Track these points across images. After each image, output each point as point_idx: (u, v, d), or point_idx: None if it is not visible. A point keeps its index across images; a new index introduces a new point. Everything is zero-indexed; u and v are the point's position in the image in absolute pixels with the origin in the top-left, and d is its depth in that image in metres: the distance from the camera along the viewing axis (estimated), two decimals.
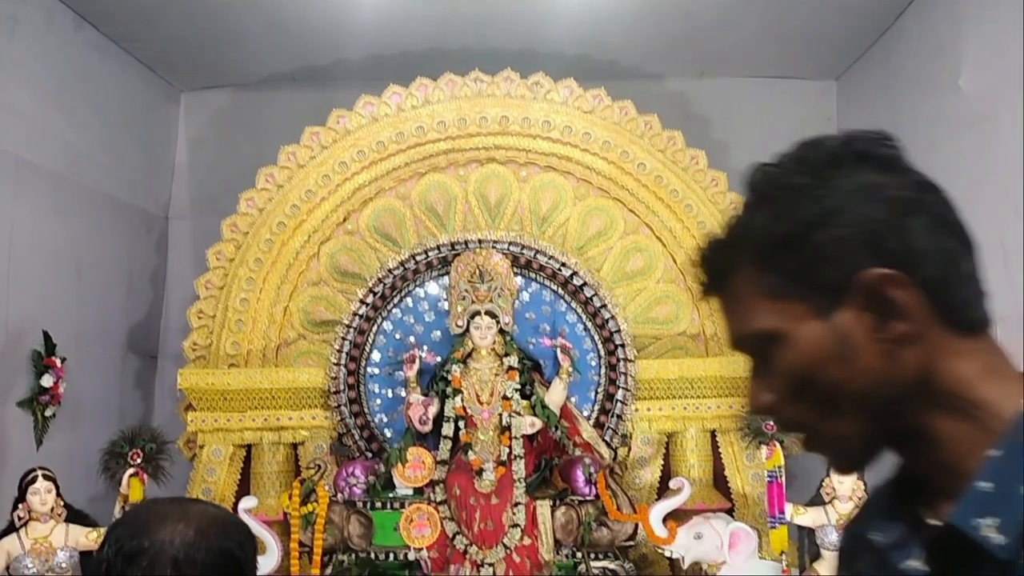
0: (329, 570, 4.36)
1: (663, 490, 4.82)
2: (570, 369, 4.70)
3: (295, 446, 5.04)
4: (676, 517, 4.38)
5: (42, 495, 3.75)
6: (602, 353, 5.00)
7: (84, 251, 5.05)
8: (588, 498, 4.44)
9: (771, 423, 4.27)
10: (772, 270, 0.86)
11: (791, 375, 0.87)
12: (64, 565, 3.76)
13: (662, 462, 5.09)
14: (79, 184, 5.03)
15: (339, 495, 4.49)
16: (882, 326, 0.83)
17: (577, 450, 4.70)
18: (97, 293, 5.16)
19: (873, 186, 0.84)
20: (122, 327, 5.49)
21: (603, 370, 5.00)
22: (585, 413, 4.95)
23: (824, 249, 0.84)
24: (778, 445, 4.18)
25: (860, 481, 3.87)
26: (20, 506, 3.76)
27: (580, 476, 4.46)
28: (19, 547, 3.71)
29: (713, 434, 5.06)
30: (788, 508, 3.98)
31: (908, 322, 0.83)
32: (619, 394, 4.93)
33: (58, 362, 4.46)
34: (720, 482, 5.02)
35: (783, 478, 4.08)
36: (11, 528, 3.76)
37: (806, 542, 3.99)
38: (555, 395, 4.74)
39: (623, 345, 4.92)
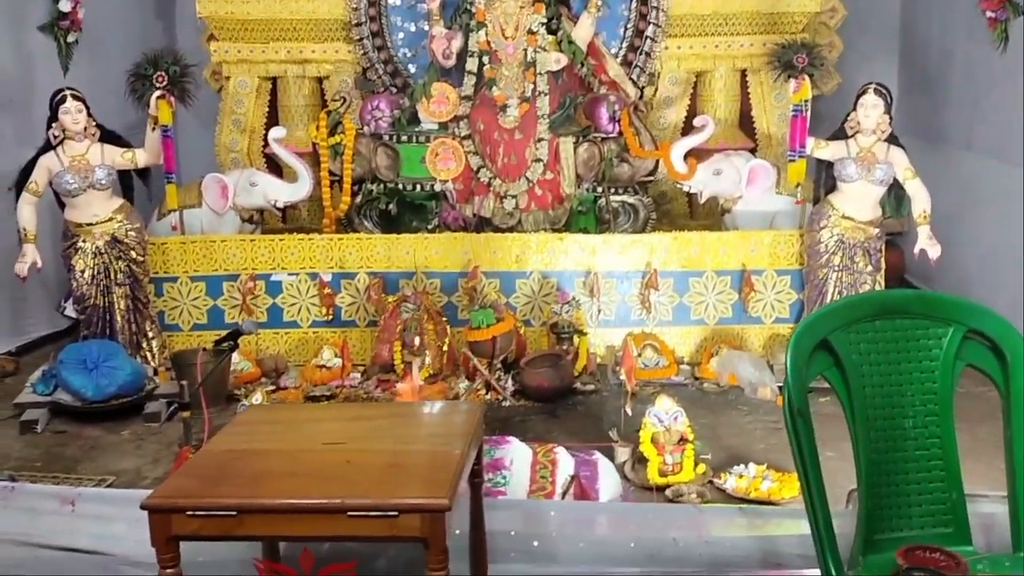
0: (359, 199, 4.53)
1: (687, 131, 4.82)
2: (599, 3, 4.49)
3: (320, 80, 5.04)
4: (698, 157, 4.41)
5: (73, 114, 3.83)
6: None
7: None
8: (611, 135, 4.46)
9: (803, 56, 4.13)
10: None
11: None
12: (104, 182, 3.92)
13: (688, 102, 5.04)
14: None
15: (365, 128, 4.55)
16: None
17: (602, 88, 4.63)
18: None
19: None
20: None
21: (634, 4, 4.79)
22: (613, 50, 4.81)
23: None
24: (807, 79, 4.07)
25: (886, 115, 3.80)
26: (53, 125, 3.85)
27: (604, 113, 4.45)
28: (58, 163, 3.85)
29: (743, 74, 4.94)
30: (809, 142, 3.96)
31: None
32: (649, 30, 4.76)
33: None
34: (745, 123, 4.99)
35: (808, 113, 4.03)
36: (48, 146, 3.88)
37: (823, 175, 4.02)
38: (582, 30, 4.58)
39: None
